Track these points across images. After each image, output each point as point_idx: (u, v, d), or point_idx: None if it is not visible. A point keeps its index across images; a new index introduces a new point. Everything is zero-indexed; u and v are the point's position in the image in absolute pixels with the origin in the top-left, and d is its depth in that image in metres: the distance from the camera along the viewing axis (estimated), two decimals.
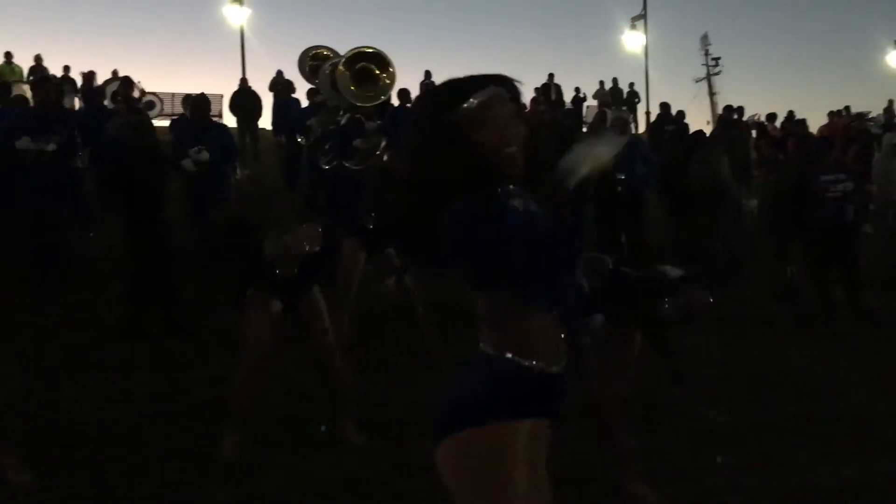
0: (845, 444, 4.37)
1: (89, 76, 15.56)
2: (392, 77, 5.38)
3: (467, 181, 1.82)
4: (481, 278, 1.85)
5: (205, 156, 7.46)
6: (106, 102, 12.45)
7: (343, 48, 5.82)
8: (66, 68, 16.32)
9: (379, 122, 5.56)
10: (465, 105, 1.86)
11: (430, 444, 1.92)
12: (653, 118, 18.65)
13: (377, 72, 5.33)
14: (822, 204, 7.31)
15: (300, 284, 4.24)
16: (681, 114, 14.38)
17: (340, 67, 5.25)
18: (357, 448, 4.27)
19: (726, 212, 8.95)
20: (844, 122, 15.85)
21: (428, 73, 17.57)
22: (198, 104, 8.37)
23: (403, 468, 3.95)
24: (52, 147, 7.38)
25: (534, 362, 1.88)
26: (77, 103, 14.39)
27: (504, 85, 1.92)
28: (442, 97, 1.92)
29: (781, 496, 3.76)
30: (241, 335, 4.26)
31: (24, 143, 7.35)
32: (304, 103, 11.39)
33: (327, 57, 6.01)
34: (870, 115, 17.12)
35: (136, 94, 13.06)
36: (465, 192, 1.81)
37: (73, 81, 15.65)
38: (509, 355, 1.87)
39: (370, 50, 5.40)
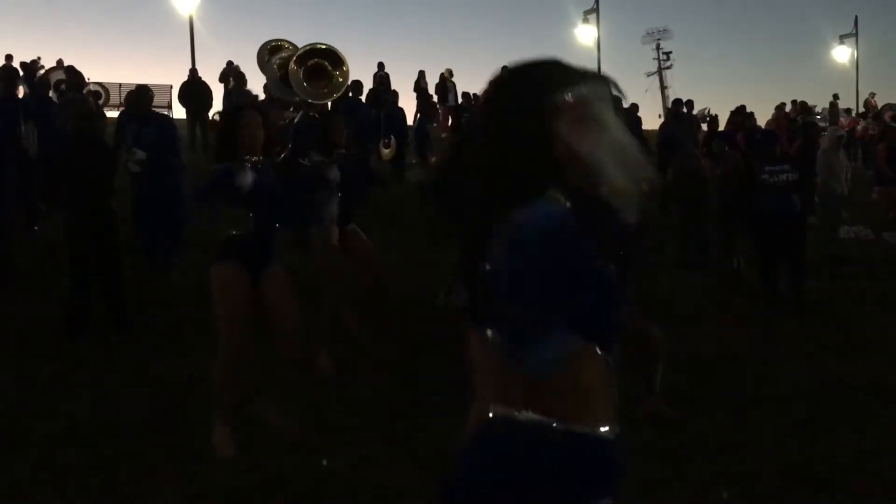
0: (787, 428, 4.51)
1: (32, 65, 15.18)
2: (345, 75, 5.35)
3: (527, 182, 1.55)
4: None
5: (140, 155, 7.30)
6: (50, 92, 12.18)
7: (295, 39, 5.77)
8: (9, 57, 15.89)
9: (315, 118, 5.54)
10: (567, 92, 1.55)
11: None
12: None
13: (330, 69, 5.29)
14: (768, 194, 7.48)
15: (263, 256, 4.17)
16: (634, 107, 14.59)
17: (293, 65, 5.21)
18: (311, 443, 4.26)
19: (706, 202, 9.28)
20: (790, 116, 16.21)
21: (381, 65, 17.54)
22: (138, 96, 8.19)
23: (360, 462, 3.97)
24: None
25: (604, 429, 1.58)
26: (21, 92, 14.01)
27: (607, 87, 1.62)
28: (538, 75, 1.61)
29: (732, 481, 3.86)
30: (215, 319, 4.15)
31: None
32: (259, 95, 11.27)
33: (287, 49, 5.94)
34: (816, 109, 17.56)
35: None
36: (523, 191, 1.52)
37: (15, 70, 15.23)
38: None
39: (324, 47, 5.36)
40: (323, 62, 5.27)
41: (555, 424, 1.50)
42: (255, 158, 4.07)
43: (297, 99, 5.35)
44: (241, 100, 5.75)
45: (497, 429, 1.55)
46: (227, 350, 4.07)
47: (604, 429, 1.54)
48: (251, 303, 4.11)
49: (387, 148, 13.11)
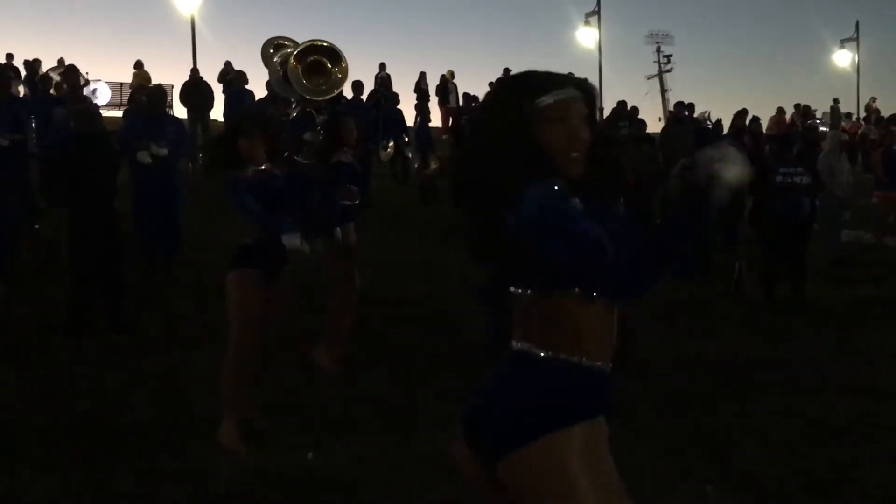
0: (789, 433, 4.50)
1: (33, 64, 15.18)
2: (344, 71, 5.36)
3: (524, 175, 1.78)
4: (555, 275, 1.78)
5: (164, 151, 7.36)
6: (51, 91, 12.17)
7: (301, 39, 5.77)
8: (10, 56, 15.88)
9: (328, 117, 5.54)
10: (541, 99, 1.83)
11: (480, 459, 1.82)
12: (606, 114, 18.87)
13: (329, 65, 5.30)
14: (779, 196, 7.49)
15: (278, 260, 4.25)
16: (635, 110, 14.60)
17: (292, 61, 5.20)
18: (311, 442, 4.24)
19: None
20: (790, 120, 16.24)
21: (383, 66, 17.55)
22: (155, 96, 8.24)
23: (362, 462, 3.96)
24: (5, 142, 7.25)
25: (598, 363, 1.83)
26: (22, 91, 14.01)
27: (582, 89, 1.90)
28: (519, 87, 1.89)
29: (731, 486, 3.85)
30: (228, 317, 4.17)
31: None
32: (259, 94, 11.29)
33: (288, 48, 5.94)
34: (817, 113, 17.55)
35: (81, 81, 12.77)
36: (521, 184, 1.76)
37: (16, 70, 15.24)
38: (569, 356, 1.81)
39: (323, 43, 5.37)
40: (322, 59, 5.28)
41: (542, 354, 1.81)
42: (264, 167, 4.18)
43: (298, 96, 5.35)
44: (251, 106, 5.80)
45: (505, 358, 1.88)
46: (240, 352, 4.13)
47: (592, 362, 1.82)
48: (265, 307, 4.17)
49: (385, 150, 13.18)
